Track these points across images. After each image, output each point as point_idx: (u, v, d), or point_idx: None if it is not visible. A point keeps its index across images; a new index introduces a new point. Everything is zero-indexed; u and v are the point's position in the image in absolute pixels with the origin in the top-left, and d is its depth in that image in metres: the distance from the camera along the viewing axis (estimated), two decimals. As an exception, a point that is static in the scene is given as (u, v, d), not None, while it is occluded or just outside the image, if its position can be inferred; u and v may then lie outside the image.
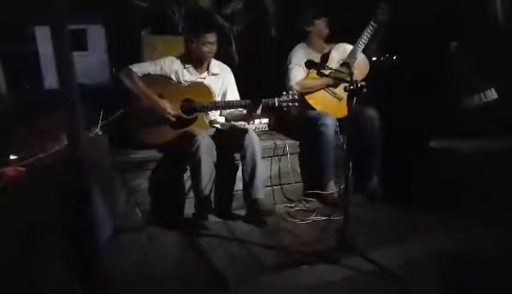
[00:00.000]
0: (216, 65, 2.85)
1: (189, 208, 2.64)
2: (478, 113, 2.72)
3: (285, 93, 2.51)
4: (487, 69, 2.77)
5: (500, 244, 2.02)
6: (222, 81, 2.86)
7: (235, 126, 2.87)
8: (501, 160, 2.42)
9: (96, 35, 3.40)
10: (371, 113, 2.90)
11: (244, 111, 2.72)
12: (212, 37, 2.69)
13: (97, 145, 2.45)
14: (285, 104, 2.50)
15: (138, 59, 3.20)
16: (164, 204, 2.66)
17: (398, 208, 2.62)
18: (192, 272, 2.01)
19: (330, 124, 2.84)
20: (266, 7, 4.00)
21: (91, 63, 3.33)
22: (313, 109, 2.98)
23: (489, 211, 2.22)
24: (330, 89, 3.01)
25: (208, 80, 2.78)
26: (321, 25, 3.07)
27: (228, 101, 2.74)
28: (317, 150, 2.88)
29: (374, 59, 3.22)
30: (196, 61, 2.77)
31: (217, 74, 2.83)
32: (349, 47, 3.00)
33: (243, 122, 3.18)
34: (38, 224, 1.53)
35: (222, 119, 2.91)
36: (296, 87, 2.93)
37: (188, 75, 2.76)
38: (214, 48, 2.73)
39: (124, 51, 3.34)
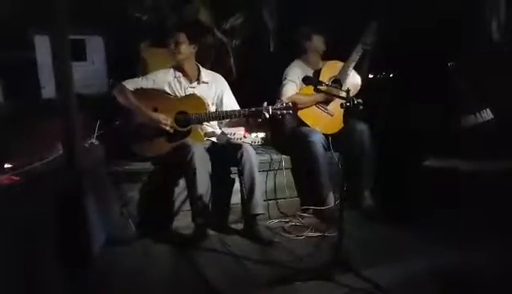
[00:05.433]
0: (206, 74, 2.86)
1: (182, 221, 2.63)
2: (474, 133, 2.74)
3: (278, 100, 2.52)
4: (482, 90, 2.81)
5: (497, 265, 2.01)
6: (214, 88, 2.86)
7: (231, 140, 2.86)
8: (497, 180, 2.43)
9: (96, 46, 3.42)
10: (361, 126, 2.92)
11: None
12: (174, 37, 2.69)
13: (93, 155, 2.44)
14: (279, 112, 2.49)
15: (137, 70, 3.22)
16: (158, 216, 2.64)
17: (394, 226, 2.61)
18: (185, 286, 1.98)
19: (317, 140, 2.85)
20: (264, 22, 4.05)
21: (89, 73, 3.34)
22: (305, 124, 2.99)
23: (485, 232, 2.22)
24: (322, 105, 3.02)
25: (198, 89, 2.79)
26: (318, 41, 3.12)
27: (221, 111, 2.74)
28: (308, 166, 2.89)
29: (370, 76, 3.25)
30: (181, 69, 2.78)
31: (207, 83, 2.83)
32: (340, 64, 3.03)
33: (239, 136, 3.19)
34: (31, 232, 1.51)
35: (219, 130, 2.90)
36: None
37: (178, 85, 2.78)
38: (183, 48, 2.70)
39: (123, 63, 3.35)
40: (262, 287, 1.94)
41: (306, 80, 2.35)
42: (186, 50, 2.72)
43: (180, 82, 2.78)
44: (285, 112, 2.49)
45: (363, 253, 2.22)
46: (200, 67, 2.86)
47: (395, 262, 2.11)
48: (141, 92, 2.69)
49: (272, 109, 2.48)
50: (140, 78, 2.77)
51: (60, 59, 1.43)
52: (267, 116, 2.48)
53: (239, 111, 2.65)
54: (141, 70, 3.25)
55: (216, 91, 2.87)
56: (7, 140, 2.00)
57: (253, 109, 2.52)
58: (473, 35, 2.96)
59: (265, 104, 2.50)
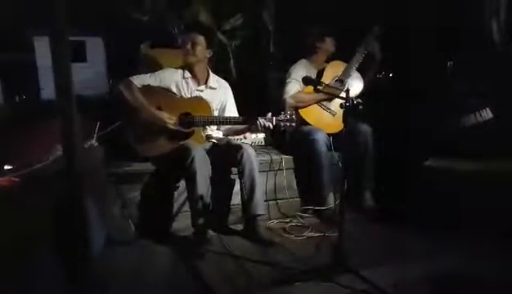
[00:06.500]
0: (214, 80, 2.86)
1: (182, 222, 2.63)
2: (474, 133, 2.74)
3: (282, 112, 2.52)
4: (482, 89, 2.81)
5: (497, 266, 2.01)
6: (220, 96, 2.86)
7: (231, 141, 2.87)
8: (497, 180, 2.43)
9: (95, 47, 3.42)
10: (364, 128, 2.92)
11: (241, 127, 2.73)
12: (192, 37, 2.68)
13: (93, 157, 2.44)
14: (282, 124, 2.50)
15: (137, 71, 3.21)
16: (158, 218, 2.64)
17: (394, 227, 2.61)
18: (185, 287, 1.98)
19: (320, 139, 2.85)
20: (265, 24, 4.06)
21: (89, 74, 3.34)
22: (307, 123, 3.00)
23: (485, 232, 2.21)
24: (325, 104, 3.03)
25: (205, 93, 2.78)
26: (330, 43, 3.14)
27: (226, 117, 2.75)
28: (310, 165, 2.89)
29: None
30: (191, 71, 2.77)
31: (214, 89, 2.83)
32: (344, 65, 3.04)
33: (240, 136, 3.19)
34: (30, 234, 1.51)
35: (219, 134, 2.91)
36: (289, 100, 2.96)
37: (186, 86, 2.77)
38: (199, 50, 2.69)
39: (123, 64, 3.36)
40: (263, 287, 1.94)
41: (305, 80, 2.35)
42: (202, 53, 2.71)
43: (188, 84, 2.77)
44: (288, 124, 2.50)
45: (363, 254, 2.22)
46: (210, 72, 2.85)
47: (395, 263, 2.11)
48: (147, 89, 2.68)
49: (276, 120, 2.49)
50: (148, 75, 2.74)
51: (59, 60, 1.43)
52: (271, 127, 2.48)
53: (243, 118, 2.64)
54: (142, 71, 3.25)
55: (220, 98, 2.87)
56: (7, 142, 2.00)
57: (257, 118, 2.50)
58: (473, 35, 2.97)
59: (269, 114, 2.49)
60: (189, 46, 2.68)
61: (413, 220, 2.54)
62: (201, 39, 2.69)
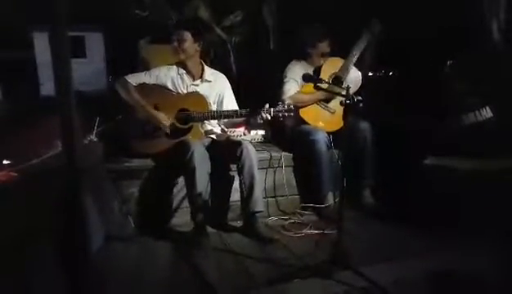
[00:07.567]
0: (210, 73, 2.84)
1: (181, 218, 2.63)
2: (474, 131, 2.74)
3: (280, 103, 2.51)
4: (481, 89, 2.81)
5: (496, 265, 2.01)
6: (216, 88, 2.85)
7: (231, 137, 2.86)
8: (497, 179, 2.43)
9: (95, 43, 3.41)
10: (363, 125, 2.92)
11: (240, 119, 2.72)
12: (178, 35, 2.66)
13: (92, 152, 2.43)
14: (280, 115, 2.49)
15: (136, 67, 3.21)
16: (157, 213, 2.64)
17: (393, 224, 2.61)
18: (184, 284, 1.98)
19: (321, 139, 2.85)
20: (264, 20, 4.05)
21: (88, 70, 3.34)
22: (306, 122, 2.99)
23: (485, 230, 2.22)
24: (323, 103, 3.02)
25: (201, 87, 2.78)
26: (323, 47, 3.11)
27: (223, 111, 2.74)
28: (310, 164, 2.89)
29: (370, 74, 3.25)
30: (184, 67, 2.76)
31: (210, 81, 2.82)
32: (341, 61, 3.02)
33: (239, 133, 3.19)
34: (28, 230, 1.51)
35: (218, 129, 2.91)
36: (288, 101, 2.95)
37: (181, 82, 2.77)
38: (187, 46, 2.66)
39: (122, 60, 3.35)
40: (262, 284, 1.94)
41: (306, 77, 2.34)
42: (191, 48, 2.70)
43: (183, 79, 2.77)
44: (286, 114, 2.48)
45: (362, 251, 2.22)
46: (204, 65, 2.84)
47: (394, 260, 2.11)
48: (143, 87, 2.68)
49: (274, 111, 2.48)
50: (143, 73, 2.75)
51: (59, 56, 1.42)
52: (269, 118, 2.48)
53: (241, 111, 2.63)
54: (142, 67, 3.24)
55: (218, 90, 2.86)
56: (6, 137, 2.00)
57: (255, 110, 2.50)
58: (473, 34, 2.96)
59: (267, 105, 2.49)
60: (176, 43, 2.68)
61: (412, 218, 2.54)
62: (187, 35, 2.67)
